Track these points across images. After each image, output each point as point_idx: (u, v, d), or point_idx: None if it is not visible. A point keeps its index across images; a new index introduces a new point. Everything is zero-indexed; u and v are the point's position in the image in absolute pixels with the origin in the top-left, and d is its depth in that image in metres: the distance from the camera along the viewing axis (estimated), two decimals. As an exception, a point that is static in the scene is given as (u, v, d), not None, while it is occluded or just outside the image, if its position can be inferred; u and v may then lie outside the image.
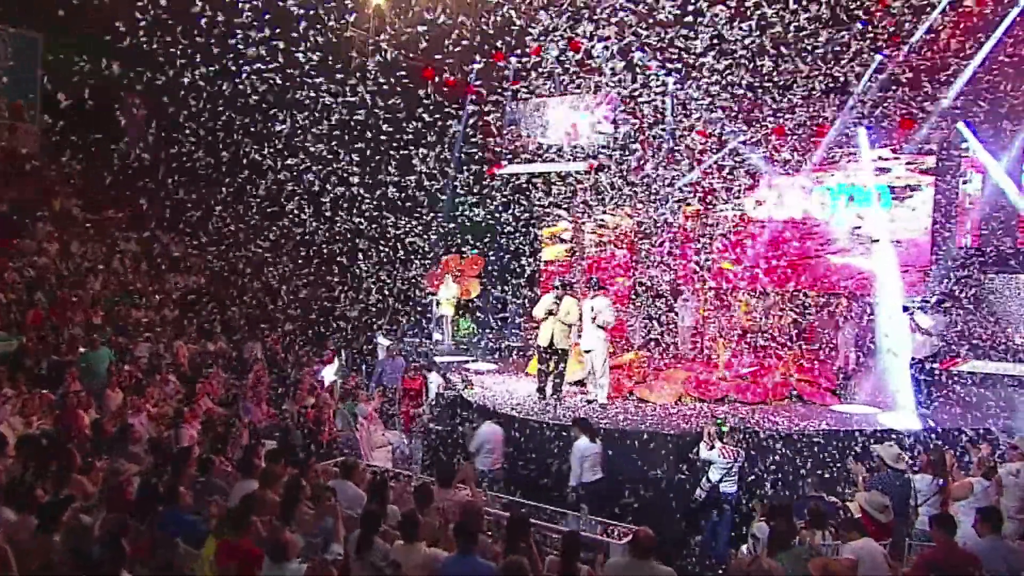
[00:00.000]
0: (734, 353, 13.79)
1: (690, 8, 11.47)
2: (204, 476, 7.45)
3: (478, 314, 18.46)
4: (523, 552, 5.53)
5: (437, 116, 14.18)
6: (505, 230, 17.67)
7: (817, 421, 10.70)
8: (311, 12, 11.48)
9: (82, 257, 15.86)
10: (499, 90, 16.71)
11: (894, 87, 14.11)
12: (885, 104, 14.43)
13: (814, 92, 13.93)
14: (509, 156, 17.63)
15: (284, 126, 13.34)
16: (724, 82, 13.68)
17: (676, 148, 15.43)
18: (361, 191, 14.30)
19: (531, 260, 17.75)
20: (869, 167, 15.04)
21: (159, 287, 16.26)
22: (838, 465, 9.46)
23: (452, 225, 17.99)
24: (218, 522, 5.81)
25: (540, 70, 15.17)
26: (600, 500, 8.66)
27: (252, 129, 13.16)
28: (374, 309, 16.38)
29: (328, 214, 14.86)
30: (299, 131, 13.65)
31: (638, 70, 14.59)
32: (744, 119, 15.07)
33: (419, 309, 17.97)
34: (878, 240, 14.61)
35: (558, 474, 9.61)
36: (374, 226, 15.17)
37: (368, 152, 14.23)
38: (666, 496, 9.29)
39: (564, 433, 9.89)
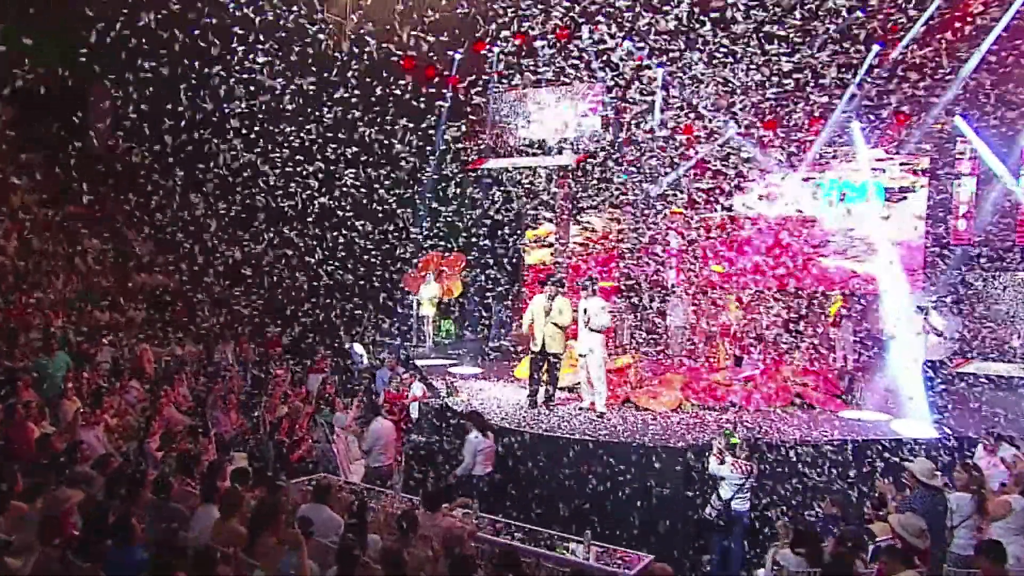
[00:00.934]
0: (735, 355, 13.15)
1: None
2: (161, 499, 6.61)
3: (462, 314, 17.73)
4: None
5: (417, 105, 13.44)
6: (488, 228, 16.97)
7: (828, 430, 9.99)
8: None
9: (43, 255, 15.11)
10: (482, 81, 15.95)
11: (891, 80, 13.61)
12: (882, 97, 13.94)
13: (808, 84, 13.43)
14: (492, 150, 16.90)
15: (258, 121, 12.60)
16: (717, 73, 13.22)
17: (666, 139, 14.85)
18: (336, 187, 13.60)
19: (515, 258, 17.11)
20: (864, 163, 14.67)
21: (125, 287, 15.59)
22: (856, 478, 8.80)
23: (433, 222, 17.25)
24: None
25: (525, 59, 14.51)
26: (494, 496, 8.87)
27: (226, 123, 12.36)
28: (348, 314, 15.59)
29: (302, 210, 14.06)
30: (271, 123, 12.89)
31: (627, 59, 14.00)
32: (737, 112, 14.50)
33: (399, 311, 17.15)
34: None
35: (555, 491, 8.96)
36: (351, 224, 14.37)
37: (345, 148, 13.43)
38: (673, 515, 8.54)
39: (561, 446, 9.26)
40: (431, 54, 13.20)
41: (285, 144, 12.94)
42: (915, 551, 6.05)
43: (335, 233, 14.44)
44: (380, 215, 14.89)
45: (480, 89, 15.56)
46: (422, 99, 13.72)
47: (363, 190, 13.88)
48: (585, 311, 10.63)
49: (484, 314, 17.80)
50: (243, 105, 12.05)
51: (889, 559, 5.35)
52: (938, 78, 13.29)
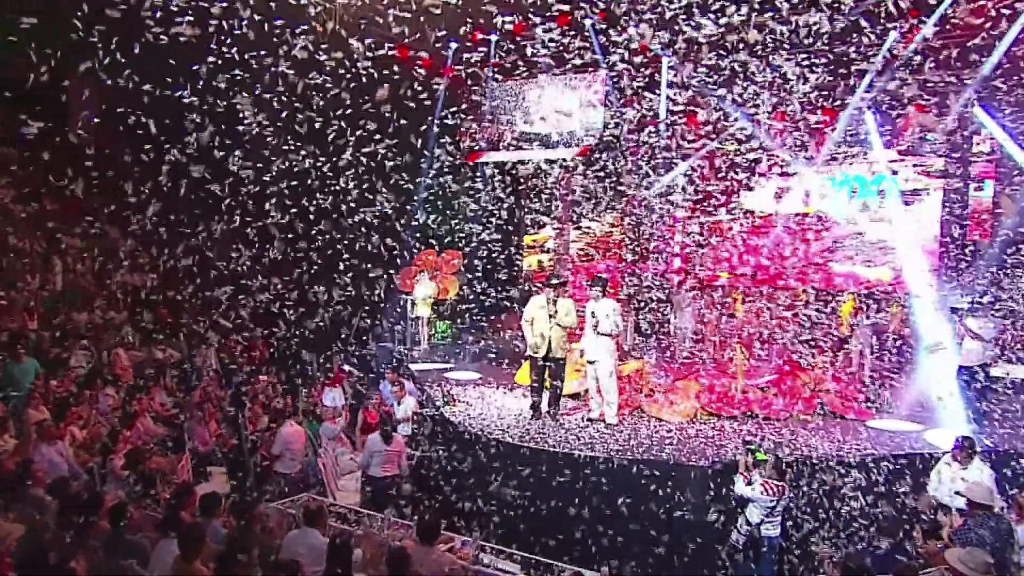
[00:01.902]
0: (752, 362, 12.32)
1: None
2: (120, 528, 5.79)
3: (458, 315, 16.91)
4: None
5: (412, 98, 12.65)
6: (486, 225, 16.17)
7: (859, 442, 9.17)
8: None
9: (17, 253, 14.40)
10: (479, 71, 15.12)
11: (909, 68, 12.81)
12: (900, 86, 13.18)
13: (824, 73, 12.73)
14: (490, 143, 16.09)
15: (246, 116, 11.85)
16: (727, 62, 12.49)
17: (671, 128, 14.11)
18: (326, 183, 12.80)
19: (514, 256, 16.36)
20: (880, 157, 13.92)
21: (104, 287, 14.84)
22: (898, 496, 7.98)
23: (427, 219, 16.47)
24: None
25: (524, 48, 13.69)
26: (399, 500, 9.06)
27: (210, 115, 11.59)
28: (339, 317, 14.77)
29: (289, 206, 13.25)
30: (259, 118, 12.11)
31: (633, 46, 13.22)
32: (748, 103, 13.74)
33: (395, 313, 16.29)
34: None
35: (566, 515, 8.13)
36: (340, 222, 13.56)
37: (335, 141, 12.63)
38: (696, 542, 7.69)
39: (571, 463, 8.45)
40: (421, 41, 12.46)
41: (274, 140, 12.21)
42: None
43: (326, 232, 13.65)
44: (377, 215, 14.11)
45: (476, 81, 14.80)
46: (419, 89, 12.96)
47: (357, 185, 13.12)
48: (593, 314, 9.81)
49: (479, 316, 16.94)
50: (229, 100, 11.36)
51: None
52: (958, 67, 12.53)
